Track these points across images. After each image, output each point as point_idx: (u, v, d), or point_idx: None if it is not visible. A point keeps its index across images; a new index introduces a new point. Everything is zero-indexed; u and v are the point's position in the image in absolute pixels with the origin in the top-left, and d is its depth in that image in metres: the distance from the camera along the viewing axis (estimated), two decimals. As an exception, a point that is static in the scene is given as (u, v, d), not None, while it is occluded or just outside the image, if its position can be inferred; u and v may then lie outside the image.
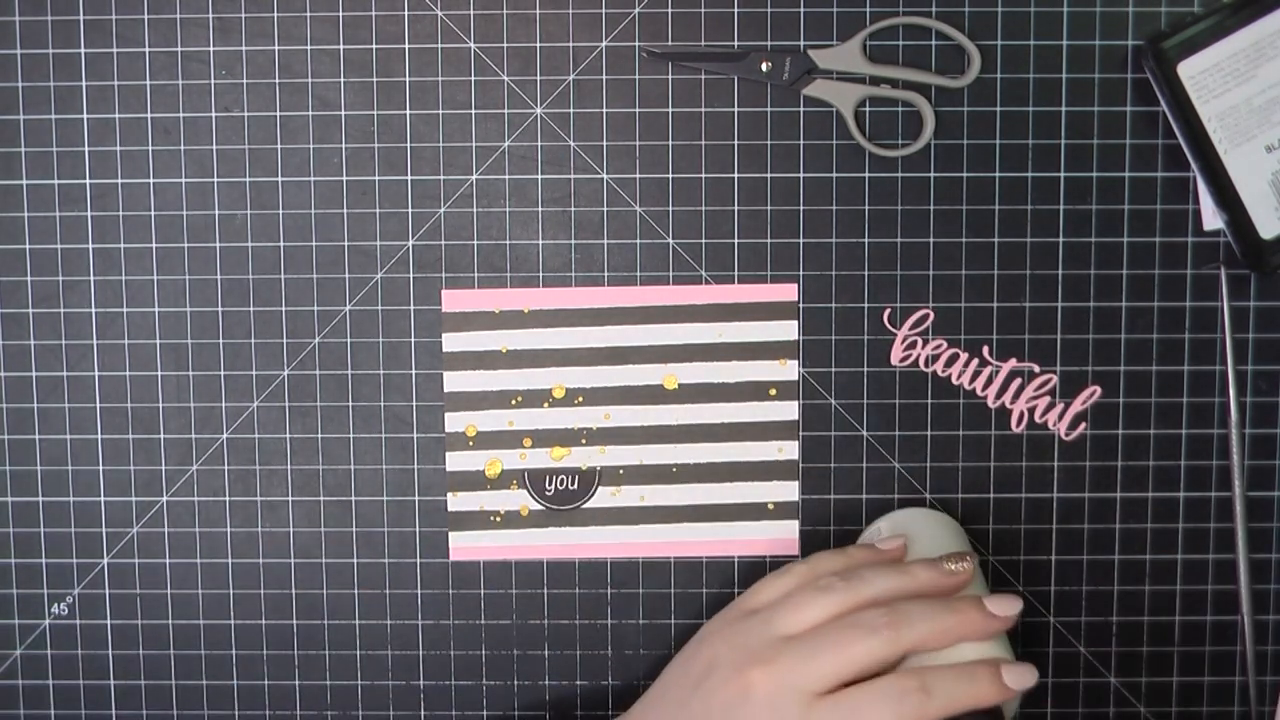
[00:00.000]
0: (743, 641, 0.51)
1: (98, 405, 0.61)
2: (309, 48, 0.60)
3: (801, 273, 0.60)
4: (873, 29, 0.59)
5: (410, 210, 0.60)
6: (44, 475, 0.61)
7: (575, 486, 0.61)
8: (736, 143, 0.60)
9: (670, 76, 0.60)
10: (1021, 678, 0.50)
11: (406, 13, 0.60)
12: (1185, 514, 0.61)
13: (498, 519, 0.62)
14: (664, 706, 0.53)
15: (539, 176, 0.60)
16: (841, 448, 0.61)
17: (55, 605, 0.62)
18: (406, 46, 0.60)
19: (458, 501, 0.61)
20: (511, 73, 0.60)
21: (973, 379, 0.61)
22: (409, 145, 0.60)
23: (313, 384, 0.61)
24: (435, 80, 0.60)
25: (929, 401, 0.61)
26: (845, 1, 0.59)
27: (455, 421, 0.61)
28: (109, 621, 0.62)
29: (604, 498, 0.61)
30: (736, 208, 0.60)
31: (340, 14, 0.60)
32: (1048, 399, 0.61)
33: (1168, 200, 0.60)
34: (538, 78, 0.60)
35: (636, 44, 0.60)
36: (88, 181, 0.60)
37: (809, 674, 0.49)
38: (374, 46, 0.60)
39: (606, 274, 0.61)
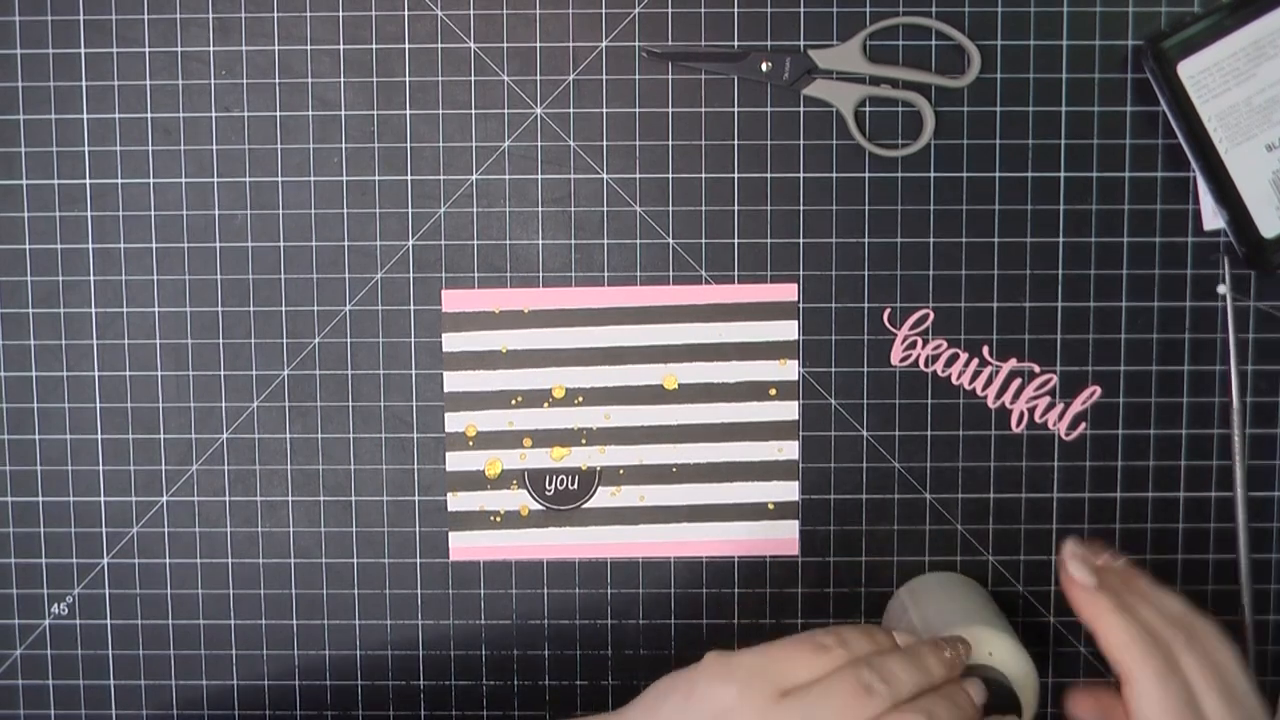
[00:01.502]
0: None
1: (98, 405, 0.61)
2: (309, 48, 0.60)
3: (801, 273, 0.60)
4: (873, 29, 0.59)
5: (410, 210, 0.60)
6: (44, 475, 0.61)
7: (575, 486, 0.61)
8: (736, 143, 0.60)
9: (670, 76, 0.60)
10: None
11: (406, 13, 0.60)
12: (1185, 514, 0.61)
13: (498, 519, 0.61)
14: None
15: (539, 176, 0.60)
16: (841, 448, 0.61)
17: (55, 605, 0.62)
18: (406, 46, 0.60)
19: (458, 501, 0.61)
20: (511, 73, 0.60)
21: (973, 379, 0.61)
22: (409, 145, 0.60)
23: (313, 384, 0.61)
24: (435, 80, 0.60)
25: (929, 401, 0.61)
26: (845, 1, 0.59)
27: (455, 421, 0.61)
28: (109, 621, 0.62)
29: (604, 498, 0.61)
30: (736, 208, 0.60)
31: (340, 14, 0.60)
32: (1048, 399, 0.61)
33: (1168, 200, 0.60)
34: (538, 78, 0.60)
35: (636, 44, 0.60)
36: (88, 181, 0.60)
37: (779, 679, 0.48)
38: (374, 46, 0.60)
39: (606, 274, 0.61)
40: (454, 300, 0.61)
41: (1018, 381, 0.61)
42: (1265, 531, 0.61)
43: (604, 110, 0.60)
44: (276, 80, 0.60)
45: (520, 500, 0.61)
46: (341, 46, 0.60)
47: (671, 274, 0.61)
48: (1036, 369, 0.61)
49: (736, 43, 0.60)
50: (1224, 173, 0.58)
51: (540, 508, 0.61)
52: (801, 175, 0.60)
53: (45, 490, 0.61)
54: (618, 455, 0.61)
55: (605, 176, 0.60)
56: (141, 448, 0.61)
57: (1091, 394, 0.61)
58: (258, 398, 0.61)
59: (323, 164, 0.60)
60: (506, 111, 0.60)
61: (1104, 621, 0.49)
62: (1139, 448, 0.61)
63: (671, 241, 0.60)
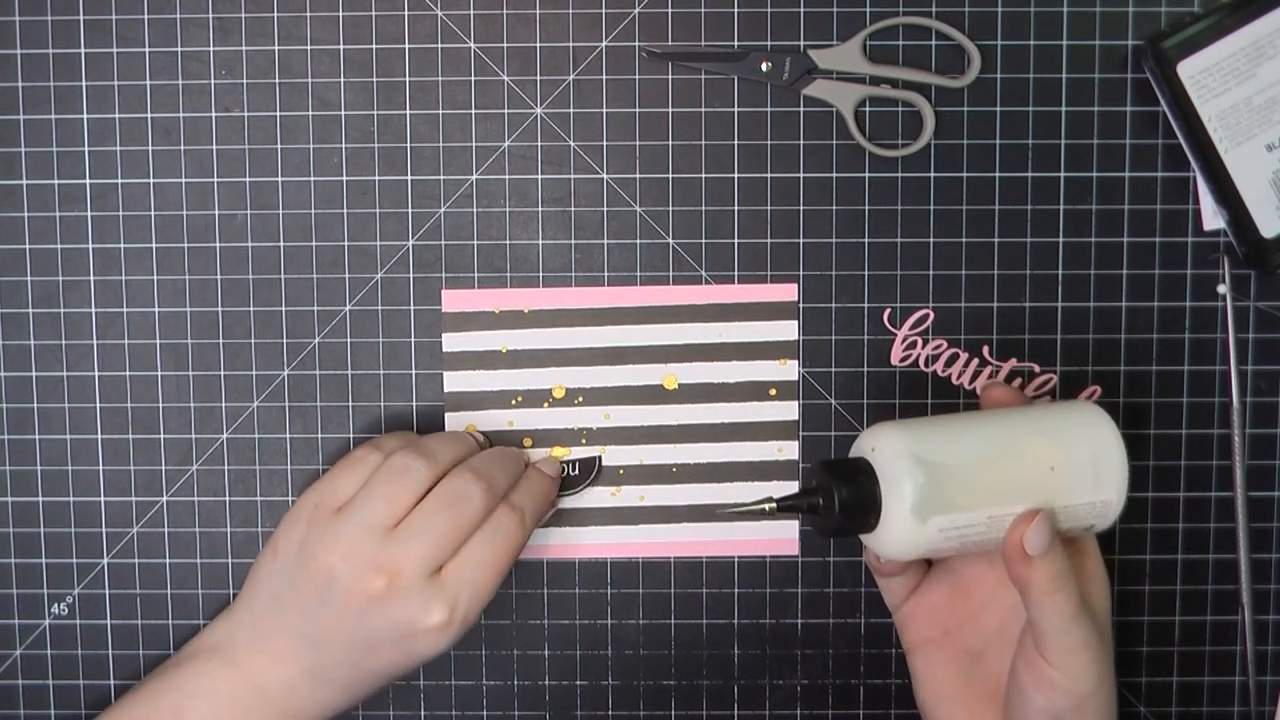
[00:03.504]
0: (353, 549, 0.52)
1: (98, 405, 0.61)
2: (309, 48, 0.60)
3: (801, 273, 0.60)
4: (873, 29, 0.59)
5: (410, 210, 0.60)
6: (44, 475, 0.61)
7: (575, 486, 0.61)
8: (736, 143, 0.60)
9: (670, 76, 0.60)
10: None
11: (406, 13, 0.60)
12: (1185, 514, 0.61)
13: (498, 519, 0.61)
14: (283, 615, 0.54)
15: (539, 176, 0.60)
16: (842, 448, 0.61)
17: (55, 605, 0.62)
18: (406, 46, 0.60)
19: (458, 501, 0.61)
20: (511, 73, 0.60)
21: (973, 379, 0.61)
22: (409, 145, 0.60)
23: (313, 384, 0.61)
24: (435, 80, 0.60)
25: (929, 401, 0.61)
26: (845, 1, 0.59)
27: (455, 421, 0.61)
28: (109, 621, 0.62)
29: (604, 498, 0.61)
30: (736, 208, 0.60)
31: (340, 14, 0.60)
32: (1048, 399, 0.61)
33: (1168, 200, 0.60)
34: (538, 78, 0.60)
35: (636, 44, 0.60)
36: (88, 181, 0.60)
37: (429, 555, 0.52)
38: (374, 46, 0.60)
39: (606, 274, 0.61)
40: (454, 300, 0.61)
41: (1018, 381, 0.61)
42: (1265, 531, 0.61)
43: (604, 110, 0.60)
44: (276, 80, 0.60)
45: (520, 500, 0.61)
46: (341, 46, 0.60)
47: (671, 274, 0.61)
48: (1036, 369, 0.61)
49: (736, 43, 0.60)
50: (1224, 173, 0.58)
51: (540, 508, 0.61)
52: (801, 175, 0.60)
53: (45, 490, 0.61)
54: (618, 455, 0.61)
55: (605, 176, 0.60)
56: (141, 448, 0.61)
57: (1091, 394, 0.61)
58: (258, 398, 0.61)
59: (323, 164, 0.60)
60: (506, 111, 0.60)
61: (1057, 602, 0.50)
62: (1139, 448, 0.61)
63: (671, 241, 0.60)
